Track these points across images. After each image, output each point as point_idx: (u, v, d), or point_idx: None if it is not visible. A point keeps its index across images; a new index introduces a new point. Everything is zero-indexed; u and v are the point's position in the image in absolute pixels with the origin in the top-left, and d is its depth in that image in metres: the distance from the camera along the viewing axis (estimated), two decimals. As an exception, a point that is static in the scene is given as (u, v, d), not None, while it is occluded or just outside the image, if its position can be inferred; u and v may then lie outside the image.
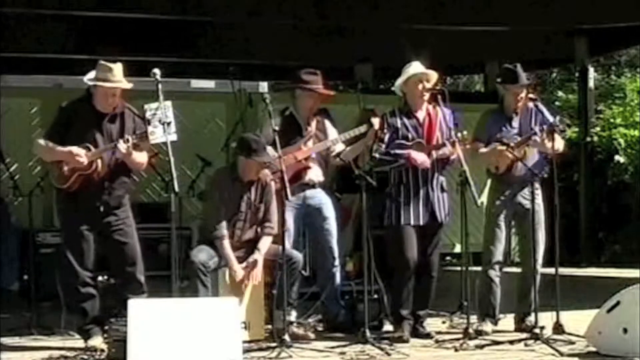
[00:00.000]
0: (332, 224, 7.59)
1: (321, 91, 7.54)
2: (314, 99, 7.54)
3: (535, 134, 7.17)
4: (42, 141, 6.84)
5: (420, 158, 7.15)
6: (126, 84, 6.71)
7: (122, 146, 6.57)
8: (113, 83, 6.67)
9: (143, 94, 6.79)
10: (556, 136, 7.11)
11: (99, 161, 6.66)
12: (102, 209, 6.73)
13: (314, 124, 7.58)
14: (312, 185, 7.52)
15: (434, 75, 7.27)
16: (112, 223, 6.79)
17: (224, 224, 7.07)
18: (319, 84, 7.55)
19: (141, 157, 6.75)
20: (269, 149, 7.12)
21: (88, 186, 6.69)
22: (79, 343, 6.80)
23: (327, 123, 7.69)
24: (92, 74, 6.79)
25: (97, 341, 6.67)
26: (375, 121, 7.24)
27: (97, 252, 6.83)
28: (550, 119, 7.25)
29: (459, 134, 7.07)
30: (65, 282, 6.89)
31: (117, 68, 6.72)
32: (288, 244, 7.16)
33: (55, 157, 6.72)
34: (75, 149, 6.61)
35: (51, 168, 6.84)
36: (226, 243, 7.07)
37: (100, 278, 7.07)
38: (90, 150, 6.63)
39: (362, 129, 7.35)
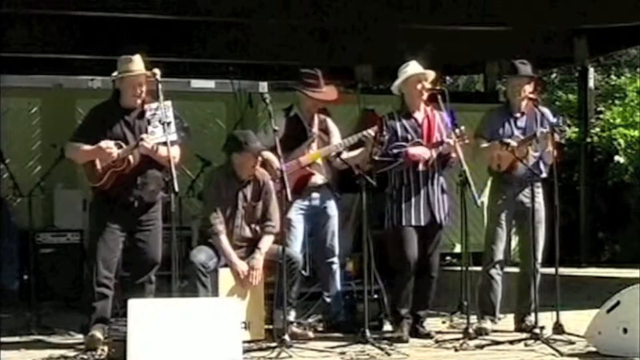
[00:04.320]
0: (334, 223, 7.64)
1: (317, 97, 7.52)
2: (313, 101, 7.54)
3: (535, 136, 7.19)
4: (72, 144, 6.89)
5: (419, 151, 7.15)
6: (148, 73, 6.73)
7: (147, 143, 6.59)
8: (136, 71, 6.71)
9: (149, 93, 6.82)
10: (549, 144, 7.15)
11: (130, 157, 6.69)
12: (136, 204, 6.77)
13: (316, 123, 7.60)
14: (317, 188, 7.54)
15: (431, 75, 7.28)
16: (142, 222, 6.84)
17: (219, 220, 7.07)
18: (320, 86, 7.54)
19: (166, 152, 6.55)
20: (268, 153, 7.17)
21: (121, 183, 6.73)
22: (79, 343, 6.80)
23: (330, 122, 7.72)
24: (116, 72, 6.82)
25: (97, 333, 6.64)
26: (371, 131, 7.29)
27: (123, 252, 6.90)
28: (553, 120, 7.27)
29: (457, 130, 7.08)
30: (88, 278, 6.90)
31: (138, 59, 6.78)
32: (297, 247, 7.20)
33: (88, 157, 6.76)
34: (103, 143, 6.63)
35: (84, 168, 6.89)
36: (223, 238, 7.06)
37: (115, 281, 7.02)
38: (121, 147, 6.66)
39: (356, 137, 7.41)
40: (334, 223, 7.64)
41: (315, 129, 7.58)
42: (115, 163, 6.66)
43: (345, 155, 7.53)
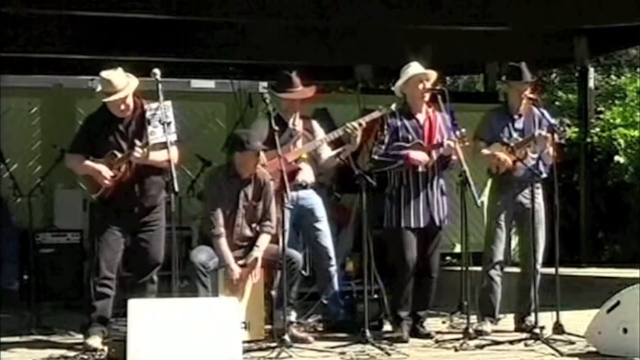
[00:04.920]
0: (324, 224, 7.59)
1: (288, 97, 7.48)
2: (287, 101, 7.53)
3: (533, 137, 7.20)
4: (71, 155, 6.93)
5: (419, 157, 7.15)
6: (128, 89, 6.69)
7: (137, 153, 6.61)
8: (114, 95, 6.66)
9: (143, 94, 6.80)
10: (549, 145, 7.16)
11: (125, 166, 6.70)
12: (137, 209, 6.80)
13: (300, 124, 7.59)
14: (304, 186, 7.52)
15: (433, 75, 7.28)
16: (146, 224, 6.85)
17: (220, 222, 7.06)
18: (293, 86, 7.51)
19: (162, 156, 6.53)
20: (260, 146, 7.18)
21: (120, 191, 6.75)
22: (79, 343, 6.79)
23: (314, 124, 7.70)
24: (99, 87, 6.82)
25: (96, 341, 6.65)
26: (354, 126, 7.26)
27: (125, 252, 6.91)
28: (552, 121, 7.28)
29: (457, 132, 7.08)
30: (89, 278, 6.92)
31: (116, 77, 6.68)
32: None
33: (85, 172, 6.81)
34: (104, 170, 6.66)
35: (83, 179, 6.95)
36: (222, 241, 7.05)
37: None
38: (116, 157, 6.69)
39: (341, 131, 7.39)
40: (324, 225, 7.59)
41: (298, 128, 7.57)
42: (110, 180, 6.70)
43: (330, 152, 7.51)
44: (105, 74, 6.70)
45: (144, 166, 6.73)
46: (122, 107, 6.72)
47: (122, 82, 6.69)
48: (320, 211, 7.59)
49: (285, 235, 7.08)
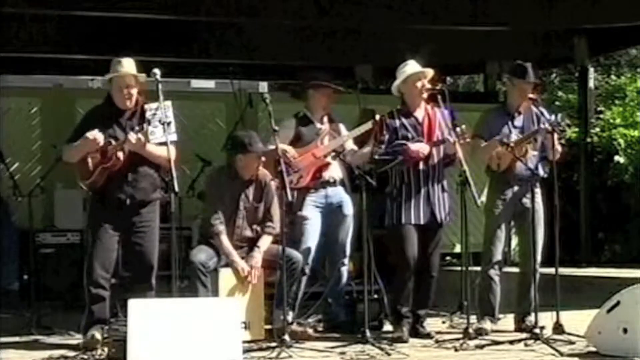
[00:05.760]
0: (350, 223, 7.61)
1: (336, 87, 7.60)
2: (328, 96, 7.55)
3: (537, 131, 7.19)
4: (66, 146, 6.92)
5: (418, 146, 7.12)
6: (138, 75, 6.75)
7: (132, 137, 6.59)
8: (122, 72, 6.72)
9: (143, 93, 6.82)
10: (556, 140, 7.14)
11: (120, 154, 6.68)
12: (128, 202, 6.76)
13: (326, 123, 7.60)
14: (333, 183, 7.52)
15: (430, 72, 7.28)
16: (137, 224, 6.82)
17: (219, 220, 7.06)
18: (331, 81, 7.61)
19: (159, 150, 6.59)
20: (286, 146, 7.20)
21: (112, 180, 6.72)
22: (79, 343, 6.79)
23: (341, 126, 7.71)
24: (109, 74, 6.88)
25: (96, 335, 6.64)
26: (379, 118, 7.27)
27: (118, 253, 6.89)
28: (552, 118, 7.27)
29: (458, 129, 7.07)
30: (84, 279, 6.90)
31: (127, 62, 6.80)
32: (312, 244, 7.30)
33: (79, 153, 6.74)
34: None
35: (76, 167, 6.88)
36: (224, 238, 7.06)
37: (113, 280, 7.02)
38: (110, 144, 6.67)
39: (370, 125, 7.35)
40: (350, 222, 7.59)
41: (325, 126, 7.57)
42: (104, 160, 6.66)
43: (350, 146, 7.51)
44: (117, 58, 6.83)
45: (139, 158, 6.72)
46: (125, 92, 6.74)
47: (133, 68, 6.77)
48: (349, 209, 7.59)
49: (304, 234, 7.17)
